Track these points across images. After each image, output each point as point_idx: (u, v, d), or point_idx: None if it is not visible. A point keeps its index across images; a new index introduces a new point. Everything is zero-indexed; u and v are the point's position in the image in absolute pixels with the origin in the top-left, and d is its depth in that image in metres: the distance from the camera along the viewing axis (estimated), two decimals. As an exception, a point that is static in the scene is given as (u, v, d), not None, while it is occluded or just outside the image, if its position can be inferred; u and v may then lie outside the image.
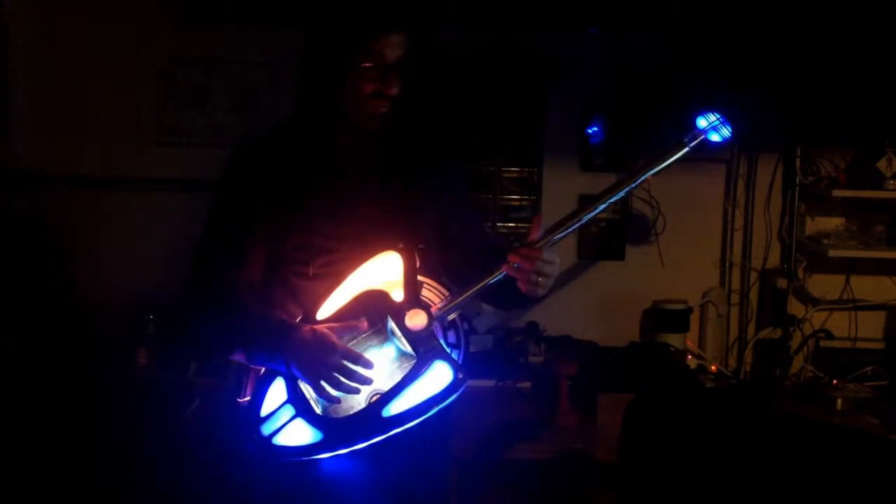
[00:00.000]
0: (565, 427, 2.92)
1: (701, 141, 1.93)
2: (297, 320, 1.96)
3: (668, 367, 3.22)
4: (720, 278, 3.56)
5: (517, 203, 3.47)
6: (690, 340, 3.45)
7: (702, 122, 1.94)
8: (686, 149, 1.93)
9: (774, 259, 3.53)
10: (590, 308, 3.50)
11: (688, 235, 3.53)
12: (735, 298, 3.56)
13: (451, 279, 2.03)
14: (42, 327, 3.26)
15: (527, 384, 3.22)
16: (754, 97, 3.10)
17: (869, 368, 3.26)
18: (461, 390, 1.87)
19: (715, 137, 1.94)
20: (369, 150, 2.06)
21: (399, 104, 1.97)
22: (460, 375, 1.87)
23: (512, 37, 3.37)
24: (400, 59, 1.93)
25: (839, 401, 3.04)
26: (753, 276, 3.54)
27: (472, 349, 3.18)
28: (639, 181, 1.95)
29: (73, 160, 3.41)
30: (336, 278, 1.97)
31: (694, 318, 3.46)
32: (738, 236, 3.54)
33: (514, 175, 3.49)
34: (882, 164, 3.27)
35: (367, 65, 1.92)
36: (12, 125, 3.38)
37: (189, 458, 2.64)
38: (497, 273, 1.91)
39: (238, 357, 1.98)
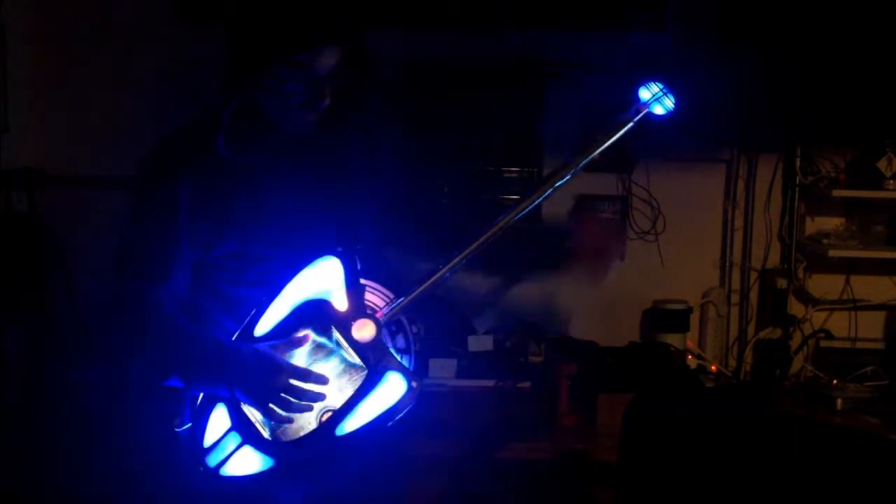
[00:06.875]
0: (565, 427, 2.92)
1: (646, 115, 1.82)
2: (234, 337, 1.84)
3: (668, 367, 3.22)
4: (720, 278, 3.56)
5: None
6: (690, 340, 3.45)
7: (644, 94, 1.83)
8: (631, 124, 1.83)
9: (774, 259, 3.53)
10: (590, 308, 3.49)
11: (688, 235, 3.52)
12: (735, 298, 3.55)
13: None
14: (41, 327, 3.25)
15: (527, 384, 3.21)
16: (755, 96, 3.11)
17: (869, 368, 3.25)
18: (415, 400, 1.77)
19: (658, 110, 1.83)
20: (300, 152, 1.93)
21: (332, 112, 1.84)
22: (414, 384, 1.77)
23: (511, 37, 3.37)
24: (332, 70, 1.79)
25: (839, 401, 3.04)
26: (753, 276, 3.54)
27: (471, 349, 3.22)
28: (582, 165, 1.93)
29: (73, 159, 3.40)
30: (274, 285, 1.85)
31: (694, 318, 3.46)
32: (738, 236, 3.53)
33: (514, 175, 3.49)
34: (882, 164, 3.27)
35: (297, 78, 1.77)
36: (12, 125, 3.37)
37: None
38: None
39: (174, 383, 1.85)
